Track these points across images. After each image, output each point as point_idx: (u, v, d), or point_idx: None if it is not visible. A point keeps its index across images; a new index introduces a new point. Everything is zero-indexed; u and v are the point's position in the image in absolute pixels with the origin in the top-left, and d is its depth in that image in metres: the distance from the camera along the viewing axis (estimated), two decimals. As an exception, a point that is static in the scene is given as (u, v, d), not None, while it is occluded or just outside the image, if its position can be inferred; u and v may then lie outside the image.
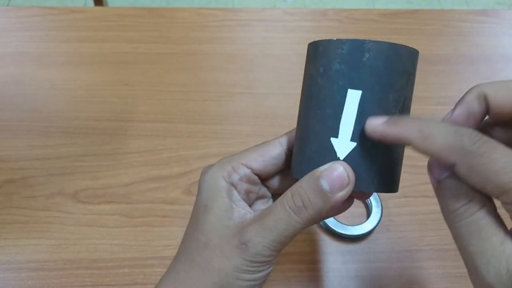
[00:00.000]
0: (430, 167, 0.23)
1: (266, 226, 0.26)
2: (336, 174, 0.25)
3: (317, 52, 0.26)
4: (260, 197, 0.31)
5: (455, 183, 0.22)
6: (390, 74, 0.25)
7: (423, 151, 0.22)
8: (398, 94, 0.25)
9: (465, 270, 0.21)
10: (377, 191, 0.26)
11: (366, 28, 0.63)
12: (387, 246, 0.42)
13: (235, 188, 0.29)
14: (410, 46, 0.25)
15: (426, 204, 0.45)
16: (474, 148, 0.20)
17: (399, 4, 2.02)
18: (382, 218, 0.42)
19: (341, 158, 0.25)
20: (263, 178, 0.30)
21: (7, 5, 1.91)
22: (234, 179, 0.28)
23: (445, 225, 0.22)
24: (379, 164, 0.26)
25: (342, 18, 0.65)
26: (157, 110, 0.53)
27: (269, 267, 0.27)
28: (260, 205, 0.31)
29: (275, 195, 0.32)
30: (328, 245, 0.42)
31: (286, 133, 0.31)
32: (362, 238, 0.42)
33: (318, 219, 0.26)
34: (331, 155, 0.26)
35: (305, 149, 0.27)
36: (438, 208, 0.22)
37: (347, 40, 0.25)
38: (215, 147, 0.49)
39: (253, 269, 0.26)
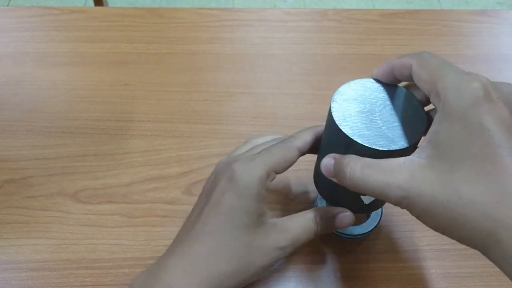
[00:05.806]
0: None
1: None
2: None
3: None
4: None
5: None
6: None
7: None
8: None
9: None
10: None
11: (366, 28, 0.63)
12: (387, 246, 0.42)
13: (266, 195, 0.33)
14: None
15: (426, 204, 0.45)
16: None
17: (399, 4, 2.02)
18: (382, 218, 0.42)
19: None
20: None
21: (7, 5, 1.91)
22: (268, 185, 0.33)
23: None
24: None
25: (342, 18, 0.65)
26: (157, 110, 0.53)
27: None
28: None
29: None
30: (328, 245, 0.42)
31: (302, 138, 0.35)
32: (362, 238, 0.42)
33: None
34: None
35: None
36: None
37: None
38: (215, 147, 0.49)
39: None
